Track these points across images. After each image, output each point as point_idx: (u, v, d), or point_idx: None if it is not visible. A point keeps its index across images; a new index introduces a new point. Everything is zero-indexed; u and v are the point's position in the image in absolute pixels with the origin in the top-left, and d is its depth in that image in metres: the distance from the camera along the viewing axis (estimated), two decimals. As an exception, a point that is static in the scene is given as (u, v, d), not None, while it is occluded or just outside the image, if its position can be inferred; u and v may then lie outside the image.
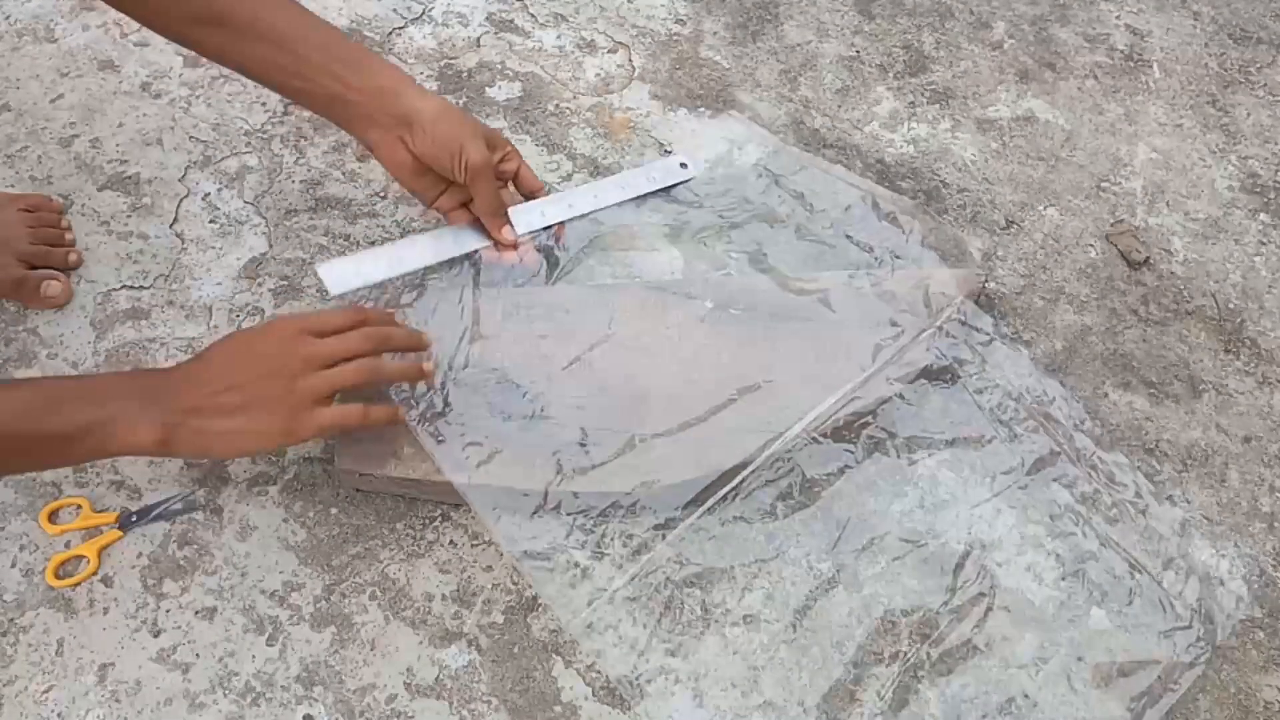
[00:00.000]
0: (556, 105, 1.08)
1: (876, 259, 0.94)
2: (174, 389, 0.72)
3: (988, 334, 0.91)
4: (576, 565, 0.80)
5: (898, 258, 0.94)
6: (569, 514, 0.82)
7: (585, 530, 0.81)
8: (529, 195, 0.93)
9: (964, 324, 0.91)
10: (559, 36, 1.15)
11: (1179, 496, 0.86)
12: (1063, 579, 0.81)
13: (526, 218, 0.93)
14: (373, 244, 0.96)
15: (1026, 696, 0.76)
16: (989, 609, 0.79)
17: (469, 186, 0.86)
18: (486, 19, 1.17)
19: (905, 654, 0.77)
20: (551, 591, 0.78)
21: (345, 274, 0.87)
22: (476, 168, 0.84)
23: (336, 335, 0.76)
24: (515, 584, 0.80)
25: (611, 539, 0.81)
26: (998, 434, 0.86)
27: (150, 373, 0.75)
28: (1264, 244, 1.02)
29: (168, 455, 0.73)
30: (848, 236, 0.96)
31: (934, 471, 0.86)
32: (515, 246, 0.91)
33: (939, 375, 0.88)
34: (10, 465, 0.74)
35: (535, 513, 0.81)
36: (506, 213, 0.91)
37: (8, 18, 1.12)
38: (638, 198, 0.97)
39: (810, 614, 0.79)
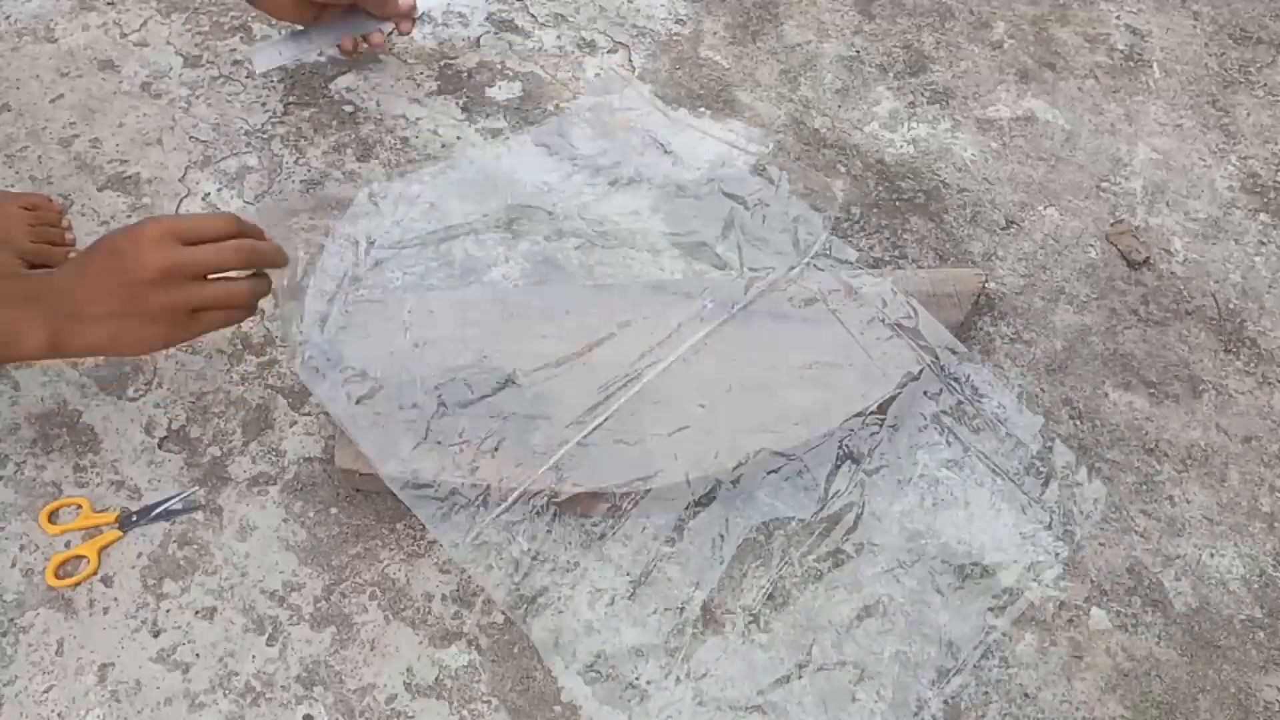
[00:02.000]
0: (556, 105, 1.08)
1: (749, 208, 0.99)
2: (54, 293, 0.71)
3: (853, 264, 0.96)
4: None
5: (767, 205, 0.99)
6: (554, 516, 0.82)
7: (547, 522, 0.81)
8: None
9: (828, 256, 0.95)
10: (559, 36, 1.15)
11: (1179, 496, 0.86)
12: (929, 486, 0.84)
13: None
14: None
15: (892, 599, 0.79)
16: (859, 517, 0.82)
17: None
18: (486, 19, 1.17)
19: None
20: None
21: (270, 55, 1.01)
22: None
23: (207, 248, 0.71)
24: (515, 584, 0.80)
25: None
26: (866, 354, 0.88)
27: (30, 278, 0.73)
28: (1264, 244, 1.02)
29: (59, 356, 0.73)
30: (721, 190, 1.01)
31: (933, 471, 0.86)
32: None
33: (808, 304, 0.91)
34: None
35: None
36: None
37: (8, 18, 1.12)
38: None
39: (810, 614, 0.79)
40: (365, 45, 1.06)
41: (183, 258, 0.71)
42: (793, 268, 0.94)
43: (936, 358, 0.88)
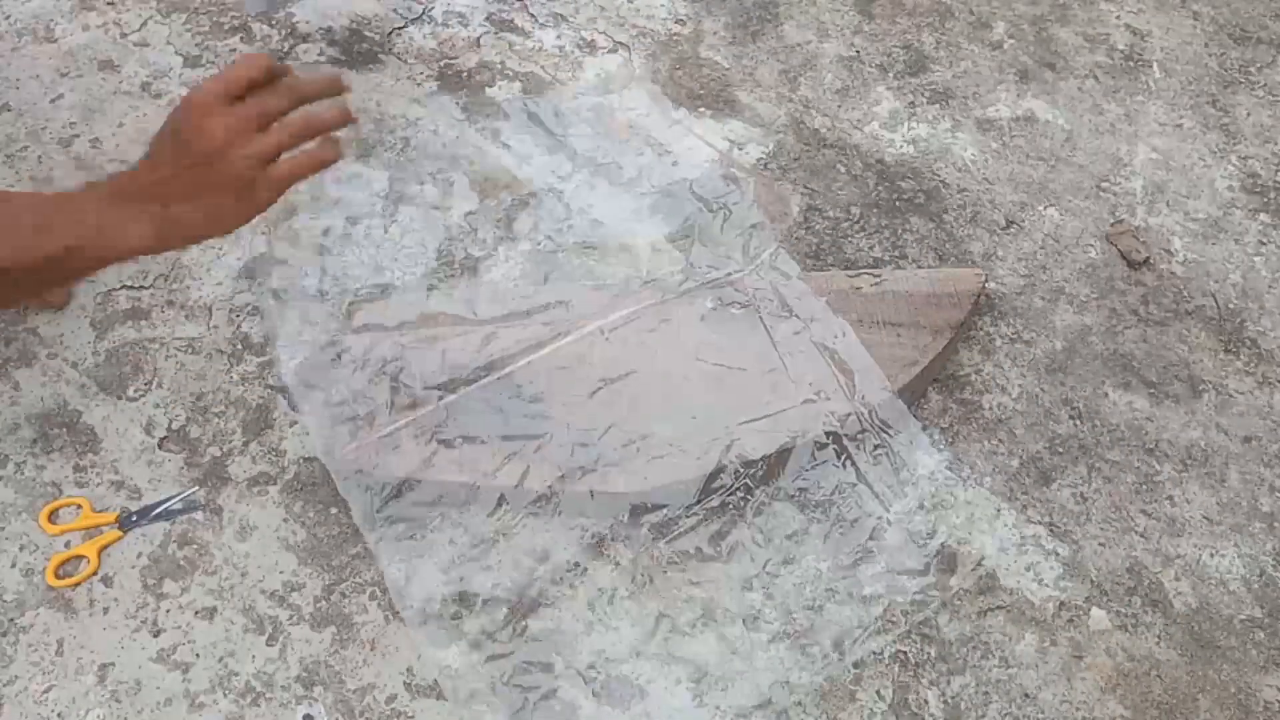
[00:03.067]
0: (556, 105, 1.08)
1: (711, 210, 1.00)
2: (137, 188, 0.69)
3: (792, 276, 0.95)
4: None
5: (728, 210, 1.00)
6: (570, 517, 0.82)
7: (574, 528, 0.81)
8: None
9: (774, 268, 0.95)
10: (559, 36, 1.15)
11: (1179, 496, 0.86)
12: (813, 508, 0.83)
13: None
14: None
15: (892, 599, 0.79)
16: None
17: None
18: (486, 19, 1.16)
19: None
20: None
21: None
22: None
23: (254, 99, 0.70)
24: (515, 584, 0.80)
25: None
26: (783, 365, 0.87)
27: (114, 177, 0.71)
28: (1264, 244, 1.02)
29: (166, 249, 0.71)
30: (691, 190, 1.02)
31: (933, 471, 0.86)
32: None
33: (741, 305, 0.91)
34: (8, 294, 0.72)
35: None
36: None
37: (8, 18, 1.12)
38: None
39: (811, 614, 0.79)
40: None
41: (240, 117, 0.69)
42: (734, 272, 0.94)
43: (853, 381, 0.86)
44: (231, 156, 0.69)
